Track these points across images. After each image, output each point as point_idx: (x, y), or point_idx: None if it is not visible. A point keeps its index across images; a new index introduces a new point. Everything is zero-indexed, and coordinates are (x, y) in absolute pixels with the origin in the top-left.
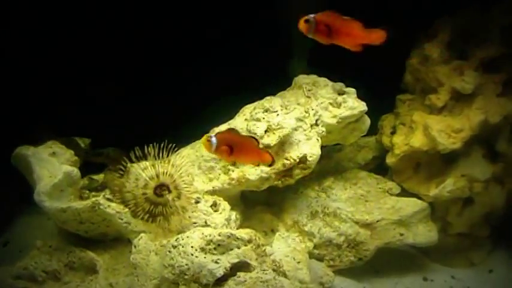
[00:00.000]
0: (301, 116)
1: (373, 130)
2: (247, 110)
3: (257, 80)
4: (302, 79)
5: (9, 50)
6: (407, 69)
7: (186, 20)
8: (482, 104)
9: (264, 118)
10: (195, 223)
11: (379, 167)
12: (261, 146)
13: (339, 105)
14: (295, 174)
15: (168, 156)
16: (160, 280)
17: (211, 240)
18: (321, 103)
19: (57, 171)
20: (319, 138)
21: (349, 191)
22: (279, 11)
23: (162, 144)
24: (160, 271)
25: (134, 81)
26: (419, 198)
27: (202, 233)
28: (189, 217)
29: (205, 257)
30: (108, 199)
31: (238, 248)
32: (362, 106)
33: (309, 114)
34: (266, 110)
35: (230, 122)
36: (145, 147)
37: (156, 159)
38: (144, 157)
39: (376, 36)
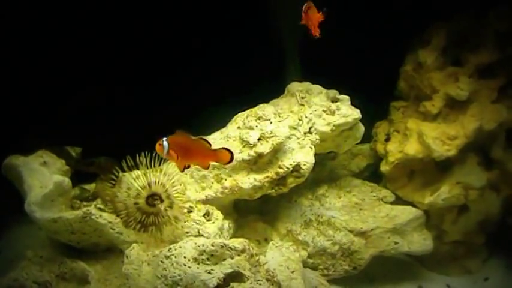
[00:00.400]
0: (295, 124)
1: (367, 138)
2: (240, 118)
3: (250, 87)
4: (295, 86)
5: None
6: (402, 75)
7: (179, 28)
8: (477, 111)
9: (257, 126)
10: (187, 233)
11: (373, 174)
12: (253, 153)
13: (332, 113)
14: (288, 183)
15: (160, 165)
16: None
17: (204, 251)
18: (315, 111)
19: (48, 181)
20: (312, 146)
21: (343, 199)
22: (272, 18)
23: (154, 153)
24: (153, 282)
25: (126, 89)
26: (414, 206)
27: (195, 243)
28: (182, 227)
29: (198, 268)
30: (100, 209)
31: (232, 258)
32: (356, 113)
33: (303, 122)
34: (259, 118)
35: (223, 130)
36: (137, 156)
37: (148, 168)
38: (136, 166)
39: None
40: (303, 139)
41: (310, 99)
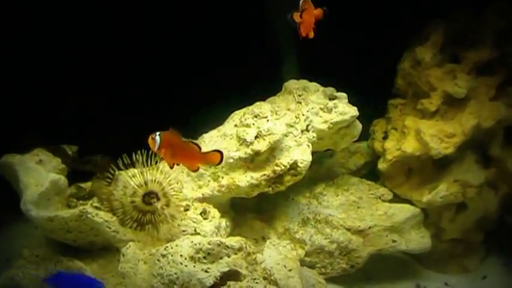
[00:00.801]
0: (292, 122)
1: (364, 135)
2: (237, 115)
3: (247, 85)
4: (292, 84)
5: None
6: (399, 73)
7: (175, 26)
8: (475, 108)
9: (253, 124)
10: (184, 231)
11: (371, 172)
12: (250, 151)
13: (329, 111)
14: (285, 181)
15: (156, 163)
16: None
17: (200, 249)
18: (312, 108)
19: (44, 180)
20: (309, 144)
21: (340, 198)
22: (269, 15)
23: (150, 152)
24: (149, 280)
25: (122, 87)
26: (411, 204)
27: (192, 242)
28: (178, 225)
29: (194, 266)
30: (96, 207)
31: (228, 256)
32: (353, 111)
33: (300, 119)
34: (256, 116)
35: (220, 128)
36: (133, 154)
37: (144, 166)
38: (132, 164)
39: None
40: (300, 137)
41: (308, 97)
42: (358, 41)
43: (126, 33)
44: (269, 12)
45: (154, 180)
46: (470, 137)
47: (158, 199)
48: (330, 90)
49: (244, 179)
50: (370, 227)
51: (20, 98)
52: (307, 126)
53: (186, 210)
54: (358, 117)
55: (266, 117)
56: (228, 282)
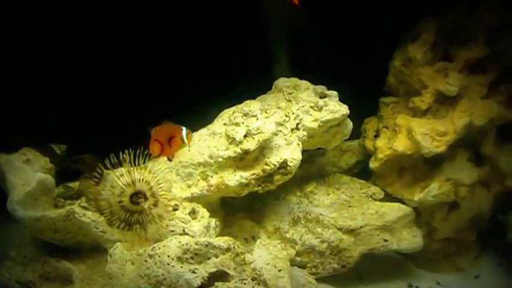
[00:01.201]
0: (282, 120)
1: (356, 134)
2: (226, 114)
3: (238, 84)
4: (283, 82)
5: None
6: (391, 71)
7: (164, 25)
8: (467, 106)
9: (243, 123)
10: (172, 231)
11: (363, 171)
12: (240, 150)
13: (320, 109)
14: (275, 180)
15: (144, 162)
16: None
17: (188, 249)
18: (302, 107)
19: (31, 179)
20: (300, 143)
21: (332, 196)
22: (260, 13)
23: (138, 151)
24: (137, 281)
25: (112, 86)
26: (403, 203)
27: (179, 242)
28: (167, 225)
29: (182, 267)
30: (84, 207)
31: (216, 257)
32: (344, 109)
33: (290, 118)
34: (245, 114)
35: (209, 126)
36: (121, 153)
37: (132, 165)
38: (120, 164)
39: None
40: (290, 135)
41: (298, 95)
42: (349, 39)
43: (115, 31)
44: (260, 9)
45: (142, 180)
46: (462, 135)
47: (146, 199)
48: (321, 88)
49: (233, 178)
50: (361, 226)
51: (8, 98)
52: (298, 124)
53: (175, 210)
54: (349, 116)
55: (256, 116)
56: (216, 283)
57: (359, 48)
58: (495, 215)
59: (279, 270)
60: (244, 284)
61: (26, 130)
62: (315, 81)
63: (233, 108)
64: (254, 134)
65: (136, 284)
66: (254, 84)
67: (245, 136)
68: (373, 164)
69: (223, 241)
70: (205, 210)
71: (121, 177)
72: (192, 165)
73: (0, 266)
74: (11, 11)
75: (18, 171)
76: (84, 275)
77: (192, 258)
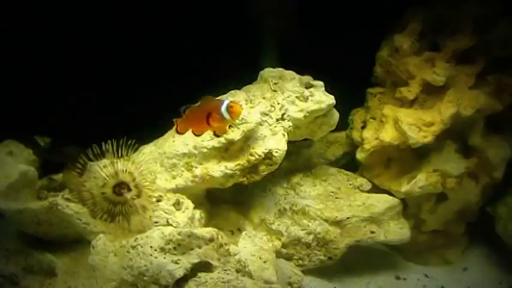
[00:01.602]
0: (267, 111)
1: (343, 125)
2: None
3: (224, 74)
4: (268, 72)
5: None
6: (378, 61)
7: (150, 19)
8: (454, 96)
9: None
10: (156, 222)
11: (350, 163)
12: (224, 141)
13: (306, 99)
14: (261, 171)
15: (128, 154)
16: (119, 282)
17: (170, 240)
18: (288, 97)
19: (13, 171)
20: (285, 133)
21: (318, 188)
22: (247, 4)
23: (121, 142)
24: (119, 273)
25: (98, 79)
26: (390, 194)
27: (162, 233)
28: (150, 216)
29: (164, 258)
30: (67, 199)
31: (200, 247)
32: (330, 100)
33: (275, 108)
34: None
35: None
36: (103, 144)
37: (115, 156)
38: (103, 155)
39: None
40: (275, 126)
41: (283, 85)
42: (336, 28)
43: (103, 29)
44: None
45: (126, 171)
46: (449, 125)
47: (129, 190)
48: (307, 78)
49: (218, 169)
50: (348, 218)
51: None
52: (283, 115)
53: (159, 201)
54: (336, 107)
55: None
56: (199, 274)
57: (346, 38)
58: (483, 207)
59: (264, 262)
60: (227, 274)
61: (10, 122)
62: (301, 72)
63: (218, 98)
64: (239, 124)
65: (119, 276)
66: (240, 75)
67: (230, 126)
68: (360, 155)
69: (206, 231)
70: (189, 201)
71: (104, 168)
72: (177, 156)
73: None
74: None
75: (1, 164)
76: (67, 268)
77: (174, 248)
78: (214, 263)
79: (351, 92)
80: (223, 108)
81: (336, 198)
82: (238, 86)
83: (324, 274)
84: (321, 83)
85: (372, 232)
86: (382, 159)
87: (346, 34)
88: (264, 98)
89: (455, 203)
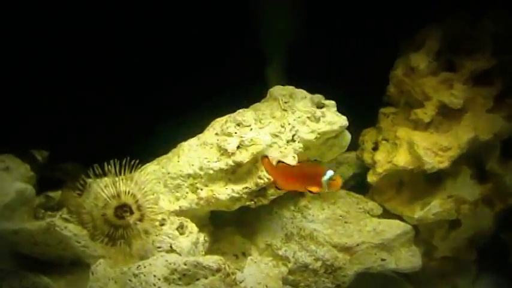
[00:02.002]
0: (277, 131)
1: (353, 145)
2: (218, 123)
3: (231, 90)
4: (278, 90)
5: None
6: (391, 80)
7: (154, 28)
8: (472, 120)
9: (236, 133)
10: (159, 247)
11: (359, 184)
12: (232, 163)
13: (317, 120)
14: (269, 195)
15: (131, 172)
16: None
17: (175, 269)
18: (298, 117)
19: (9, 189)
20: (295, 156)
21: (327, 211)
22: (255, 18)
23: (124, 161)
24: None
25: (97, 92)
26: (402, 220)
27: (166, 261)
28: (153, 241)
29: None
30: (65, 219)
31: (206, 278)
32: (342, 121)
33: (285, 129)
34: (238, 124)
35: (200, 136)
36: (106, 163)
37: (117, 176)
38: (104, 174)
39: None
40: (286, 147)
41: (294, 105)
42: (349, 46)
43: (101, 33)
44: (256, 14)
45: (128, 192)
46: (466, 150)
47: (132, 212)
48: (318, 97)
49: (224, 191)
50: (357, 244)
51: None
52: (293, 136)
53: (162, 225)
54: (347, 127)
55: (249, 126)
56: None
57: (358, 55)
58: (496, 234)
59: None
60: None
61: (6, 136)
62: (311, 90)
63: (226, 117)
64: (247, 146)
65: None
66: (247, 90)
67: (238, 147)
68: (371, 178)
69: (213, 261)
70: (193, 225)
71: (105, 189)
72: (181, 176)
73: None
74: None
75: None
76: None
77: (179, 279)
78: None
79: (361, 111)
80: (325, 179)
81: (345, 222)
82: (245, 99)
83: None
84: (333, 102)
85: (383, 260)
86: (393, 183)
87: (358, 50)
88: (273, 118)
89: (469, 229)
